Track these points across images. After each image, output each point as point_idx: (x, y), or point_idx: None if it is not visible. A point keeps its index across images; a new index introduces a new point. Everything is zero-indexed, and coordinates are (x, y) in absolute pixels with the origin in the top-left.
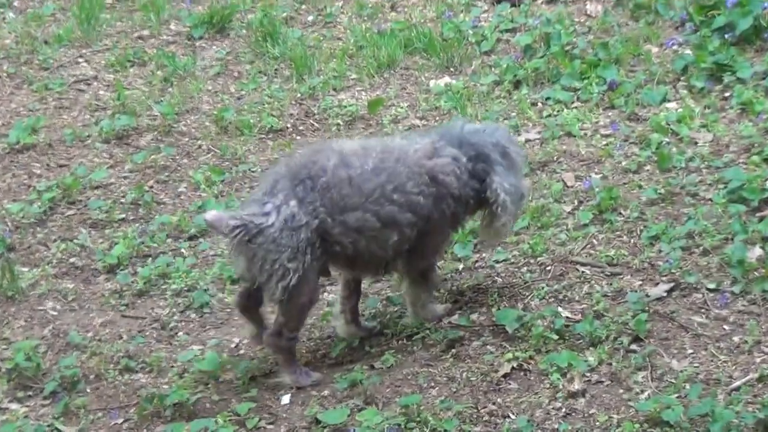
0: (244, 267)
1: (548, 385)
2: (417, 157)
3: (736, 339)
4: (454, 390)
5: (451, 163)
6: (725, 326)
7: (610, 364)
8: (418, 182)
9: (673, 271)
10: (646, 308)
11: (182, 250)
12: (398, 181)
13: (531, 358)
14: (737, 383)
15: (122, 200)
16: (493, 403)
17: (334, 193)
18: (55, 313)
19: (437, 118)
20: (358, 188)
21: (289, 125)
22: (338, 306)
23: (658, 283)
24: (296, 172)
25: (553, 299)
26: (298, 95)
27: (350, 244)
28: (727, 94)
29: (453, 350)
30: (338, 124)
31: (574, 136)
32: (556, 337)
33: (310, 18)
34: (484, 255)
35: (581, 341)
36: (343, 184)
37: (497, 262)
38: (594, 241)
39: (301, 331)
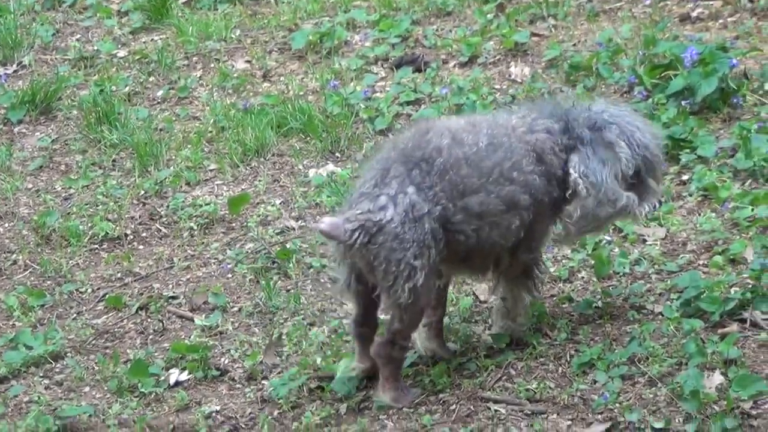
0: (365, 271)
1: None
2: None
3: None
4: None
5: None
6: None
7: None
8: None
9: (610, 407)
10: None
11: None
12: (515, 159)
13: None
14: None
15: None
16: None
17: (453, 175)
18: None
19: (317, 218)
20: (476, 168)
21: (128, 232)
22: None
23: (591, 423)
24: (409, 155)
25: None
26: (142, 192)
27: (474, 233)
28: (684, 177)
29: None
30: (191, 228)
31: None
32: None
33: (160, 93)
34: (371, 393)
35: None
36: (460, 164)
37: None
38: (511, 370)
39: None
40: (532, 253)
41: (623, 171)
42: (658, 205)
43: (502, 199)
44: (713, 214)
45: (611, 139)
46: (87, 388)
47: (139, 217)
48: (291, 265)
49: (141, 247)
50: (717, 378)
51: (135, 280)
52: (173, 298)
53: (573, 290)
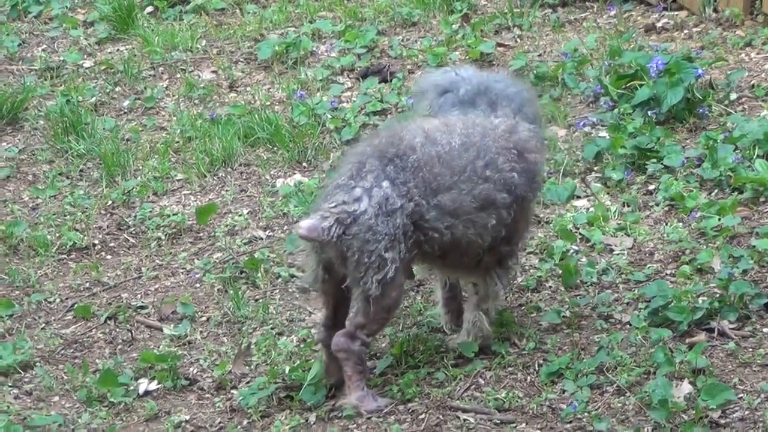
0: (336, 263)
1: None
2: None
3: None
4: None
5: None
6: None
7: None
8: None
9: (579, 416)
10: None
11: None
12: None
13: None
14: None
15: None
16: None
17: (426, 172)
18: None
19: (285, 228)
20: (449, 166)
21: (96, 241)
22: (441, 308)
23: None
24: (384, 151)
25: None
26: (109, 203)
27: (447, 230)
28: (651, 187)
29: None
30: (159, 238)
31: None
32: None
33: (126, 103)
34: (340, 402)
35: None
36: (434, 161)
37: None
38: (480, 380)
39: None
40: (511, 245)
41: None
42: None
43: (475, 197)
44: (680, 224)
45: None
46: (56, 398)
47: (107, 227)
48: (259, 274)
49: (109, 257)
50: (685, 387)
51: (103, 290)
52: (142, 307)
53: (541, 299)
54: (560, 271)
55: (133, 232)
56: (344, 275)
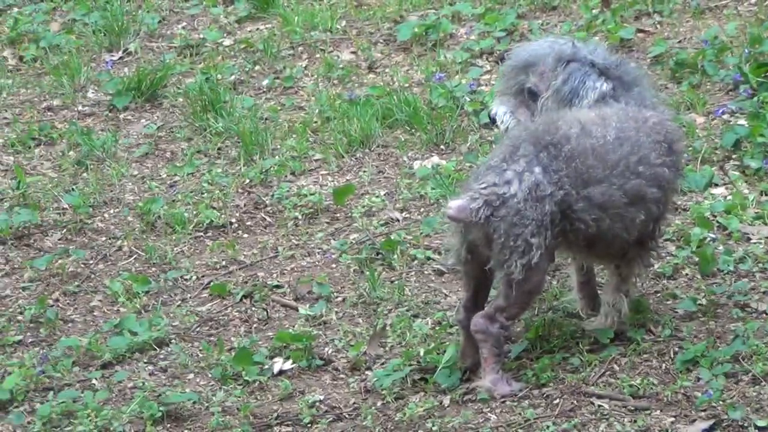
0: (481, 244)
1: None
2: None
3: None
4: None
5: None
6: None
7: None
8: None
9: (714, 404)
10: None
11: (93, 382)
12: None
13: None
14: None
15: (19, 317)
16: None
17: (579, 163)
18: None
19: (422, 210)
20: (602, 159)
21: (233, 220)
22: (577, 294)
23: (694, 420)
24: (539, 137)
25: None
26: (247, 181)
27: (594, 222)
28: None
29: None
30: (296, 218)
31: None
32: None
33: (265, 82)
34: (474, 385)
35: None
36: (587, 154)
37: None
38: (615, 366)
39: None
40: (653, 231)
41: None
42: None
43: (625, 192)
44: None
45: None
46: (191, 375)
47: (244, 205)
48: (395, 256)
49: (246, 235)
50: None
51: (239, 269)
52: (278, 287)
53: (677, 287)
54: (697, 259)
55: (270, 211)
56: (488, 257)
